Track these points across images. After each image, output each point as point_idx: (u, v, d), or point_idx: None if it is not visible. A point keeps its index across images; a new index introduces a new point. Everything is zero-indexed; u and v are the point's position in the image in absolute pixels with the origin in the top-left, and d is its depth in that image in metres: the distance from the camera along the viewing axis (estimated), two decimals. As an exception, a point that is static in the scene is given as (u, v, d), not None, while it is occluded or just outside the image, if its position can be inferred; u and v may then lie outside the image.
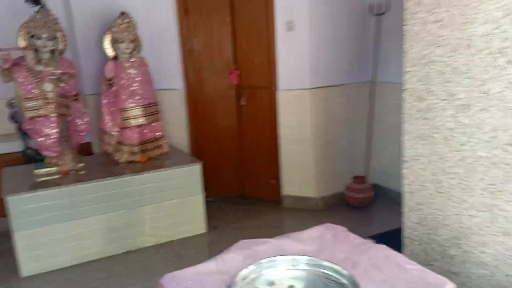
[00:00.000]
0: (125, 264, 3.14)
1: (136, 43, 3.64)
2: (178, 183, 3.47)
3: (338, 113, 4.03)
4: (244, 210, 4.14)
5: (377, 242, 1.83)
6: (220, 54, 4.13)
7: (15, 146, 3.63)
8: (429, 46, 2.11)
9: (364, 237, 1.94)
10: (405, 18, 2.23)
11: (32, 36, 3.19)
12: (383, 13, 3.86)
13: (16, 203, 2.87)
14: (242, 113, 4.23)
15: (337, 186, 4.15)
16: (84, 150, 3.92)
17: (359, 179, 4.08)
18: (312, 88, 3.85)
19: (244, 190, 4.40)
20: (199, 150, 4.34)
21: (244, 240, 1.83)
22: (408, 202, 2.31)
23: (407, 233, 2.35)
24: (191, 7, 4.06)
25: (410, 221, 2.30)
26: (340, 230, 1.91)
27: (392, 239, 2.30)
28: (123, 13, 3.56)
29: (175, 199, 3.46)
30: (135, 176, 3.30)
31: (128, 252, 3.31)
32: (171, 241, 3.46)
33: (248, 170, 4.32)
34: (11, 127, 3.64)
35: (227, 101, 4.22)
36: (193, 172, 3.53)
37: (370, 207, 4.06)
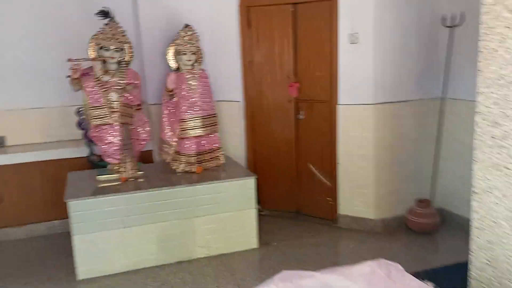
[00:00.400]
0: (177, 274, 3.17)
1: (197, 55, 3.70)
2: (232, 196, 3.45)
3: (404, 130, 3.80)
4: (298, 226, 4.03)
5: (438, 285, 1.64)
6: (281, 67, 4.08)
7: (81, 151, 3.82)
8: (508, 66, 1.88)
9: (425, 269, 1.75)
10: (481, 33, 2.03)
11: (101, 48, 3.35)
12: (456, 25, 3.58)
13: (77, 207, 3.00)
14: (300, 127, 4.13)
15: (398, 208, 3.90)
16: (145, 158, 4.05)
17: (424, 202, 3.80)
18: (375, 104, 3.66)
19: (299, 206, 4.29)
20: (255, 163, 4.31)
21: (288, 271, 1.72)
22: (477, 239, 2.08)
23: (474, 274, 2.11)
24: (254, 19, 4.05)
25: (479, 260, 2.06)
26: (395, 269, 1.73)
27: (457, 276, 2.08)
28: (186, 26, 3.63)
29: (228, 211, 3.44)
30: (190, 187, 3.32)
31: (181, 262, 3.33)
32: (223, 254, 3.43)
33: (304, 185, 4.20)
34: (78, 133, 3.85)
35: (285, 114, 4.14)
36: (247, 186, 3.49)
37: (434, 234, 3.76)
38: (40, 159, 3.82)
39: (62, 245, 3.54)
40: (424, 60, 3.78)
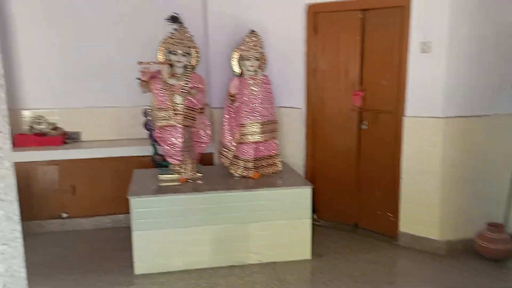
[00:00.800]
0: (228, 279, 3.19)
1: (261, 61, 3.72)
2: (287, 204, 3.41)
3: (476, 147, 3.52)
4: (355, 240, 3.89)
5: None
6: (345, 74, 3.97)
7: (148, 150, 4.00)
8: None
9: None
10: None
11: (169, 52, 3.48)
12: (545, 35, 3.26)
13: (138, 204, 3.14)
14: (362, 137, 3.99)
15: (466, 231, 3.62)
16: (206, 160, 4.14)
17: (496, 226, 3.49)
18: (446, 117, 3.43)
19: (357, 219, 4.14)
20: (314, 171, 4.23)
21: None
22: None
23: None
24: (320, 26, 3.99)
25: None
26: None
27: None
28: (252, 31, 3.67)
29: (283, 219, 3.41)
30: (246, 192, 3.34)
31: (232, 266, 3.36)
32: (274, 263, 3.41)
33: (364, 198, 4.05)
34: (146, 132, 4.04)
35: (348, 124, 4.02)
36: (303, 195, 3.44)
37: (507, 262, 3.43)
38: (110, 156, 4.06)
39: (124, 238, 3.73)
40: (501, 72, 3.48)
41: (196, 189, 3.35)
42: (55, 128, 4.24)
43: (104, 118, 4.39)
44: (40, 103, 4.28)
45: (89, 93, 4.36)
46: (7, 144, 1.05)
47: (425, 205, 3.61)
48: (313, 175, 4.23)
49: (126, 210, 3.22)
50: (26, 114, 4.26)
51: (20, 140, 4.04)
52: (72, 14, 4.25)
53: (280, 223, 3.41)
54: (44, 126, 4.21)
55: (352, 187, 4.11)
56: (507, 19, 3.41)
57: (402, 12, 3.52)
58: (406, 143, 3.63)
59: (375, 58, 3.80)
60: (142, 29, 4.33)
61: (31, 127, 4.21)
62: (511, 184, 3.57)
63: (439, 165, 3.50)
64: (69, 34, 4.26)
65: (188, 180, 3.51)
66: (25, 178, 3.91)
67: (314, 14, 3.97)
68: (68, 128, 4.33)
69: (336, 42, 3.95)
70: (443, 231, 3.59)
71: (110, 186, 4.10)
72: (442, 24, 3.31)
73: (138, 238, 3.17)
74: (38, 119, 4.23)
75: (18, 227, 1.08)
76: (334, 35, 3.95)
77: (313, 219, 4.12)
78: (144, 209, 3.16)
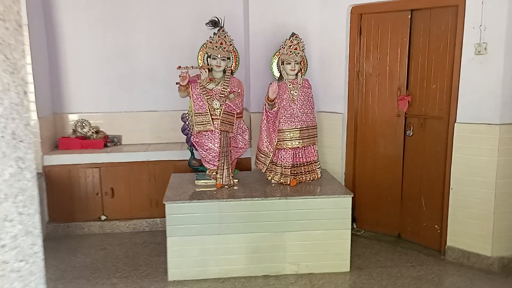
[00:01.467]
0: (262, 288, 3.10)
1: (302, 65, 3.60)
2: (326, 213, 3.27)
3: (536, 157, 3.22)
4: (398, 253, 3.67)
5: None
6: (391, 78, 3.77)
7: (186, 154, 3.98)
8: None
9: None
10: None
11: (208, 56, 3.44)
12: None
13: (173, 210, 3.11)
14: (408, 145, 3.77)
15: (523, 247, 3.32)
16: (243, 165, 4.08)
17: (559, 245, 3.17)
18: (503, 124, 3.16)
19: (401, 230, 3.92)
20: (355, 179, 4.06)
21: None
22: None
23: None
24: (365, 27, 3.82)
25: None
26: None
27: None
28: (293, 34, 3.55)
29: (321, 229, 3.27)
30: (283, 200, 3.23)
31: (267, 276, 3.25)
32: (311, 274, 3.27)
33: (409, 208, 3.82)
34: (184, 137, 4.02)
35: (392, 130, 3.82)
36: (343, 204, 3.28)
37: None
38: (148, 159, 4.08)
39: (160, 243, 3.73)
40: None
41: (232, 195, 3.28)
42: (98, 132, 4.33)
43: (144, 122, 4.45)
44: (85, 107, 4.40)
45: (131, 97, 4.44)
46: (30, 154, 1.00)
47: (476, 218, 3.35)
48: (353, 183, 4.05)
49: (163, 214, 3.20)
50: (72, 118, 4.38)
51: (64, 143, 4.16)
52: (116, 23, 4.33)
53: (318, 233, 3.27)
54: (87, 130, 4.31)
55: (395, 196, 3.90)
56: None
57: (455, 12, 3.29)
58: (456, 151, 3.39)
59: (424, 60, 3.58)
60: (183, 35, 4.34)
61: (75, 131, 4.31)
62: None
63: (493, 175, 3.23)
64: (113, 41, 4.36)
65: (225, 186, 3.45)
66: (67, 180, 4.01)
67: (358, 16, 3.81)
68: (110, 131, 4.41)
69: (382, 44, 3.77)
70: (496, 247, 3.31)
71: (148, 189, 4.12)
72: (500, 24, 3.06)
73: (173, 244, 3.14)
74: (82, 122, 4.33)
75: (39, 241, 1.03)
76: (379, 37, 3.77)
77: (353, 229, 3.95)
78: (179, 214, 3.13)
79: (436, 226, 3.63)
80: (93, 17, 4.29)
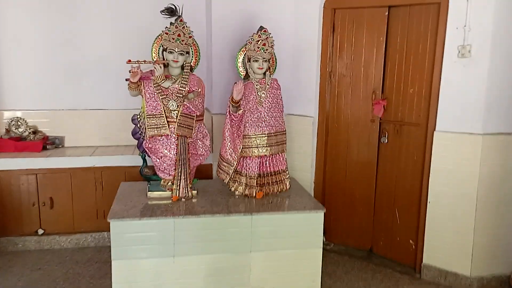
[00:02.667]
0: (223, 316, 2.71)
1: (270, 63, 3.22)
2: (295, 231, 2.93)
3: (521, 169, 3.02)
4: (371, 271, 3.40)
5: None
6: (366, 80, 3.47)
7: (138, 160, 3.52)
8: None
9: None
10: None
11: (164, 50, 3.00)
12: None
13: (119, 228, 2.66)
14: (382, 152, 3.49)
15: (502, 265, 3.13)
16: (203, 173, 3.67)
17: (539, 263, 2.99)
18: (486, 134, 2.93)
19: (374, 244, 3.65)
20: (324, 187, 3.76)
21: None
22: None
23: None
24: (339, 24, 3.49)
25: None
26: None
27: None
28: (261, 28, 3.16)
29: (289, 249, 2.92)
30: (248, 216, 2.85)
31: (230, 301, 2.87)
32: (279, 298, 2.92)
33: (382, 221, 3.55)
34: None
35: (366, 136, 3.53)
36: (314, 221, 2.95)
37: (552, 306, 2.94)
38: (95, 165, 3.58)
39: (107, 261, 3.25)
40: (555, 83, 2.97)
41: (189, 210, 2.86)
42: (35, 132, 3.77)
43: (91, 122, 3.94)
44: (21, 103, 3.83)
45: (76, 93, 3.91)
46: None
47: (456, 234, 3.12)
48: (323, 192, 3.75)
49: (110, 229, 2.74)
50: (6, 115, 3.80)
51: (-6, 145, 3.58)
52: (61, 5, 3.79)
53: (286, 252, 2.92)
54: (23, 129, 3.74)
55: (367, 207, 3.62)
56: None
57: (437, 10, 3.02)
58: (435, 161, 3.14)
59: (401, 62, 3.30)
60: (140, 21, 3.86)
61: (9, 130, 3.74)
62: (558, 214, 3.07)
63: (475, 188, 3.01)
64: (58, 26, 3.81)
65: (181, 199, 3.03)
66: (-4, 188, 3.45)
67: (332, 11, 3.48)
68: (50, 132, 3.87)
69: (356, 43, 3.46)
70: (476, 265, 3.10)
71: (94, 199, 3.63)
72: (486, 25, 2.81)
73: (119, 269, 2.68)
74: (17, 121, 3.76)
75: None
76: (354, 35, 3.46)
77: (322, 242, 3.64)
78: (126, 234, 2.68)
79: (411, 241, 3.38)
80: (35, -1, 3.73)
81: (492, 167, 2.98)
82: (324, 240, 3.76)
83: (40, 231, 3.58)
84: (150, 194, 3.06)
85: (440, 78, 3.04)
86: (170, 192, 3.04)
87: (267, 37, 3.13)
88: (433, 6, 3.05)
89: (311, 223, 2.95)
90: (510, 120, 2.96)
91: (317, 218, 2.95)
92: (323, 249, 3.09)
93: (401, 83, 3.32)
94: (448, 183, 3.09)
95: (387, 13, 3.29)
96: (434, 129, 3.12)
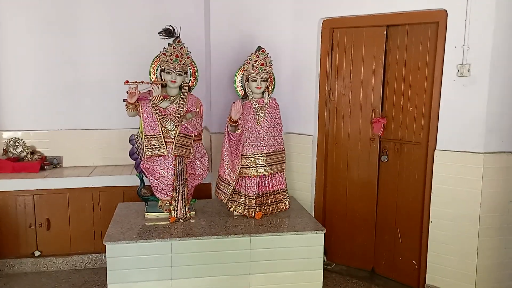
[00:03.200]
0: None
1: (269, 82, 3.22)
2: (295, 252, 2.88)
3: (524, 189, 2.97)
4: (373, 293, 3.32)
5: None
6: (365, 98, 3.45)
7: (137, 179, 3.49)
8: None
9: None
10: None
11: (162, 70, 3.00)
12: None
13: (115, 251, 2.62)
14: (383, 171, 3.45)
15: (508, 287, 3.04)
16: (202, 192, 3.64)
17: (545, 284, 2.92)
18: (488, 153, 2.89)
19: (375, 264, 3.58)
20: (325, 207, 3.71)
21: None
22: None
23: None
24: (337, 43, 3.49)
25: None
26: None
27: None
28: (259, 48, 3.17)
29: (289, 271, 2.87)
30: (247, 238, 2.81)
31: (228, 326, 2.80)
32: (278, 323, 2.85)
33: (384, 241, 3.49)
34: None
35: (366, 155, 3.50)
36: (315, 242, 2.90)
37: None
38: (92, 185, 3.55)
39: (104, 283, 3.19)
40: (555, 101, 2.94)
41: (187, 232, 2.82)
42: (33, 152, 3.76)
43: (91, 141, 3.91)
44: (20, 124, 3.83)
45: (76, 113, 3.91)
46: None
47: (459, 255, 3.05)
48: (323, 212, 3.70)
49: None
50: (4, 136, 3.79)
51: (-9, 166, 3.56)
52: (61, 25, 3.81)
53: (286, 274, 2.87)
54: (20, 150, 3.73)
55: (369, 226, 3.56)
56: None
57: (435, 29, 3.01)
58: (436, 181, 3.09)
59: (400, 81, 3.29)
60: (139, 42, 3.87)
61: (7, 151, 3.72)
62: (563, 234, 3.01)
63: (477, 208, 2.95)
64: (57, 46, 3.82)
65: (179, 220, 2.99)
66: (-7, 210, 3.41)
67: (330, 30, 3.49)
68: (49, 152, 3.85)
69: (355, 62, 3.45)
70: (480, 287, 3.02)
71: (91, 220, 3.58)
72: (485, 44, 2.80)
73: (114, 293, 2.64)
74: (15, 142, 3.75)
75: None
76: (352, 54, 3.46)
77: (323, 262, 3.57)
78: (123, 257, 2.63)
79: (414, 262, 3.31)
80: (35, 18, 3.75)
81: (494, 187, 2.93)
82: (325, 260, 3.69)
83: (37, 253, 3.52)
84: (147, 215, 3.02)
85: (440, 97, 3.02)
86: (168, 213, 3.01)
87: (265, 57, 3.13)
88: (431, 25, 3.05)
89: (311, 244, 2.90)
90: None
91: (317, 239, 2.90)
92: (324, 269, 3.04)
93: (401, 101, 3.30)
94: (450, 203, 3.04)
95: (385, 32, 3.29)
96: (435, 148, 3.09)
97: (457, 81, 2.93)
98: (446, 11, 2.92)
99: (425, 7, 3.00)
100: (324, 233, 2.94)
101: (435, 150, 3.08)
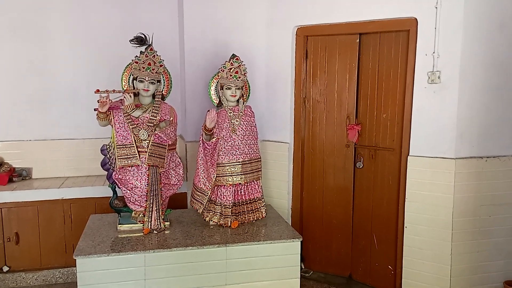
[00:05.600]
0: None
1: (243, 90, 3.20)
2: (272, 261, 2.86)
3: (494, 193, 3.03)
4: (351, 300, 3.32)
5: None
6: (340, 106, 3.48)
7: (110, 190, 3.41)
8: None
9: None
10: None
11: (134, 78, 2.94)
12: None
13: (86, 265, 2.54)
14: (358, 177, 3.47)
15: (481, 290, 3.10)
16: (178, 202, 3.59)
17: (515, 286, 2.98)
18: (459, 158, 2.94)
19: (353, 271, 3.59)
20: (302, 214, 3.70)
21: None
22: None
23: None
24: (312, 51, 3.51)
25: None
26: None
27: None
28: (233, 56, 3.16)
29: (266, 280, 2.85)
30: (223, 248, 2.77)
31: (204, 339, 2.75)
32: (256, 334, 2.81)
33: (361, 247, 3.50)
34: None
35: (342, 161, 3.51)
36: (291, 250, 2.88)
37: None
38: (63, 197, 3.45)
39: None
40: (524, 107, 3.03)
41: (161, 243, 2.76)
42: (1, 164, 3.62)
43: (61, 152, 3.80)
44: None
45: (45, 122, 3.79)
46: None
47: (433, 259, 3.08)
48: (300, 219, 3.69)
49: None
50: (-30, 146, 3.65)
51: (-44, 179, 3.42)
52: (30, 32, 3.70)
53: (263, 284, 2.84)
54: (-13, 161, 3.59)
55: (345, 233, 3.57)
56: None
57: (406, 37, 3.06)
58: (410, 186, 3.12)
59: (373, 88, 3.32)
60: (111, 49, 3.79)
61: (-28, 162, 3.59)
62: (532, 237, 3.08)
63: (450, 213, 2.99)
64: (26, 54, 3.71)
65: (153, 231, 2.92)
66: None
67: (304, 38, 3.50)
68: (17, 163, 3.72)
69: (329, 69, 3.48)
70: (455, 291, 3.06)
71: (62, 233, 3.48)
72: (454, 51, 2.86)
73: (86, 309, 2.55)
74: (-18, 152, 3.61)
75: None
76: (327, 61, 3.48)
77: (301, 269, 3.56)
78: (94, 271, 2.55)
79: (390, 267, 3.33)
80: (1, 26, 3.63)
81: (466, 192, 2.98)
82: (303, 267, 3.68)
83: (5, 268, 3.39)
84: (120, 227, 2.95)
85: (412, 103, 3.06)
86: (142, 224, 2.94)
87: (240, 65, 3.13)
88: (402, 33, 3.10)
89: (288, 253, 2.88)
90: (482, 144, 2.98)
91: (294, 247, 2.89)
92: (302, 277, 3.02)
93: (375, 108, 3.34)
94: (424, 208, 3.07)
95: (358, 40, 3.32)
96: (408, 154, 3.12)
97: (428, 87, 2.98)
98: (416, 19, 2.97)
99: (396, 16, 3.05)
100: (301, 241, 2.93)
101: (408, 156, 3.12)
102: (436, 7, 2.87)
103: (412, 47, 3.02)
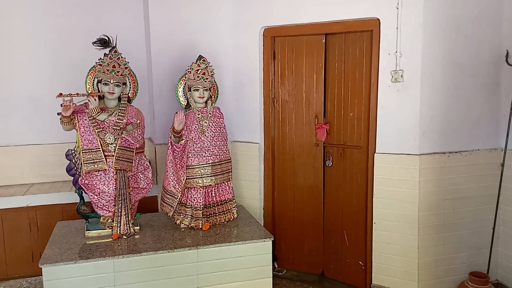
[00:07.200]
0: None
1: (211, 91, 3.19)
2: (244, 262, 2.86)
3: (456, 187, 3.14)
4: (323, 297, 3.37)
5: None
6: (308, 105, 3.52)
7: (75, 196, 3.33)
8: None
9: None
10: None
11: (99, 81, 2.89)
12: (524, 64, 2.96)
13: (52, 274, 2.47)
14: (328, 175, 3.52)
15: (448, 282, 3.20)
16: (148, 205, 3.54)
17: (479, 276, 3.08)
18: (422, 154, 3.03)
19: (325, 268, 3.63)
20: (274, 214, 3.72)
21: None
22: None
23: None
24: (279, 51, 3.54)
25: None
26: None
27: None
28: (200, 58, 3.14)
29: (238, 281, 2.85)
30: (193, 250, 2.75)
31: None
32: (229, 335, 2.81)
33: (332, 244, 3.55)
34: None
35: (311, 160, 3.55)
36: (263, 250, 2.90)
37: (494, 318, 3.03)
38: (28, 204, 3.34)
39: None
40: (482, 104, 3.14)
41: (131, 248, 2.72)
42: (-40, 172, 3.48)
43: (24, 158, 3.68)
44: None
45: (7, 128, 3.65)
46: None
47: (401, 253, 3.16)
48: (272, 219, 3.71)
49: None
50: None
51: None
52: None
53: (235, 285, 2.85)
54: None
55: (317, 231, 3.61)
56: (489, 44, 3.09)
57: (370, 37, 3.13)
58: (377, 183, 3.19)
59: (340, 87, 3.38)
60: (74, 53, 3.69)
61: None
62: (494, 229, 3.20)
63: (416, 208, 3.08)
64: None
65: (123, 236, 2.88)
66: None
67: (271, 39, 3.52)
68: (-22, 171, 3.59)
69: (297, 69, 3.51)
70: (422, 283, 3.15)
71: (28, 241, 3.37)
72: (415, 51, 2.94)
73: (52, 319, 2.49)
74: None
75: None
76: (294, 62, 3.51)
77: (274, 269, 3.58)
78: (61, 279, 2.49)
79: (361, 263, 3.39)
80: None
81: (430, 187, 3.07)
82: (276, 266, 3.70)
83: (-33, 281, 3.27)
84: (88, 233, 2.89)
85: (377, 102, 3.13)
86: (111, 229, 2.89)
87: (207, 66, 3.12)
88: (366, 33, 3.16)
89: (259, 253, 2.90)
90: (444, 140, 3.08)
91: (265, 246, 2.91)
92: (275, 276, 3.04)
93: (342, 107, 3.39)
94: (391, 204, 3.15)
95: (324, 41, 3.37)
96: (375, 151, 3.19)
97: (392, 86, 3.05)
98: (379, 19, 3.04)
99: (359, 16, 3.11)
100: (273, 240, 2.94)
101: (375, 154, 3.19)
102: (397, 8, 2.94)
103: (376, 46, 3.08)
